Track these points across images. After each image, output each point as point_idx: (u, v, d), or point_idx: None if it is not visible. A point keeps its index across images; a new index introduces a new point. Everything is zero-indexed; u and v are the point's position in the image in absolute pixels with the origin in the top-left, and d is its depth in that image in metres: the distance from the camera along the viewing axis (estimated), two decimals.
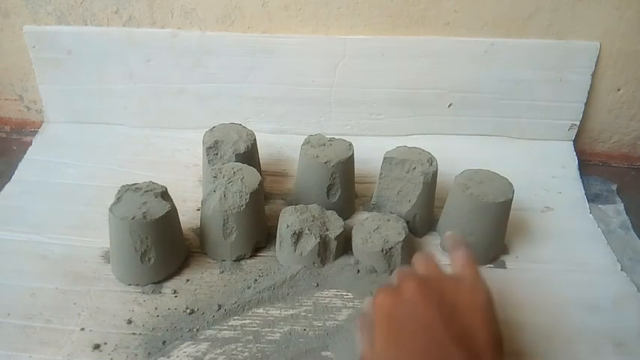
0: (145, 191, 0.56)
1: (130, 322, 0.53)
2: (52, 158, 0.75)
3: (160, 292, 0.56)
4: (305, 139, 0.66)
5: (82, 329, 0.52)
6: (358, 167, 0.68)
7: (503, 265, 0.62)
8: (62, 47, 0.76)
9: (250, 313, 0.54)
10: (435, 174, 0.63)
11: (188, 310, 0.54)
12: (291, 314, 0.54)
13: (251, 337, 0.52)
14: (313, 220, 0.59)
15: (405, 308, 0.36)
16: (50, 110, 0.82)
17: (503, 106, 0.79)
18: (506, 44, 0.75)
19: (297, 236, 0.58)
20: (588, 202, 0.73)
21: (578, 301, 0.58)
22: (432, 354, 0.33)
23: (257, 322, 0.53)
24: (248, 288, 0.57)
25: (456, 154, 0.73)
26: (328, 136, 0.66)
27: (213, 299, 0.55)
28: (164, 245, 0.56)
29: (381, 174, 0.66)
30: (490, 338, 0.33)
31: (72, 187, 0.71)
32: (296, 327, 0.53)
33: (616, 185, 0.77)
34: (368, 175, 0.73)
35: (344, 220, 0.61)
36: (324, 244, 0.58)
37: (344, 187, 0.64)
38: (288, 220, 0.58)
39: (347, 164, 0.64)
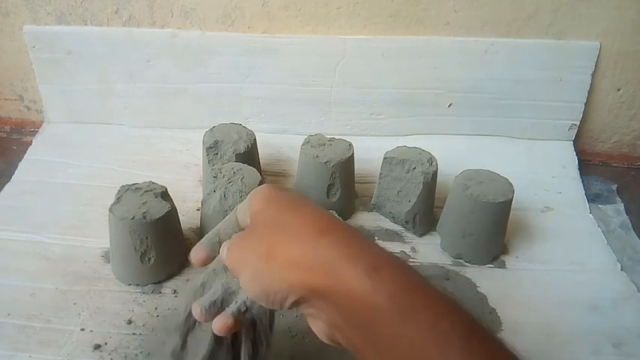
0: (145, 191, 0.56)
1: (130, 322, 0.53)
2: (52, 158, 0.75)
3: (160, 292, 0.56)
4: (305, 139, 0.66)
5: (82, 329, 0.52)
6: (358, 167, 0.68)
7: (503, 265, 0.62)
8: (62, 47, 0.76)
9: None
10: (435, 174, 0.63)
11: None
12: (291, 312, 0.54)
13: None
14: None
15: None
16: (50, 110, 0.82)
17: (503, 106, 0.79)
18: (506, 44, 0.75)
19: None
20: (588, 202, 0.73)
21: (578, 301, 0.58)
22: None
23: None
24: None
25: (456, 154, 0.73)
26: (328, 136, 0.66)
27: None
28: (164, 245, 0.56)
29: (381, 174, 0.66)
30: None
31: (72, 187, 0.71)
32: (296, 326, 0.53)
33: (616, 185, 0.77)
34: (368, 175, 0.73)
35: (344, 220, 0.61)
36: None
37: (344, 187, 0.64)
38: None
39: (347, 164, 0.64)
